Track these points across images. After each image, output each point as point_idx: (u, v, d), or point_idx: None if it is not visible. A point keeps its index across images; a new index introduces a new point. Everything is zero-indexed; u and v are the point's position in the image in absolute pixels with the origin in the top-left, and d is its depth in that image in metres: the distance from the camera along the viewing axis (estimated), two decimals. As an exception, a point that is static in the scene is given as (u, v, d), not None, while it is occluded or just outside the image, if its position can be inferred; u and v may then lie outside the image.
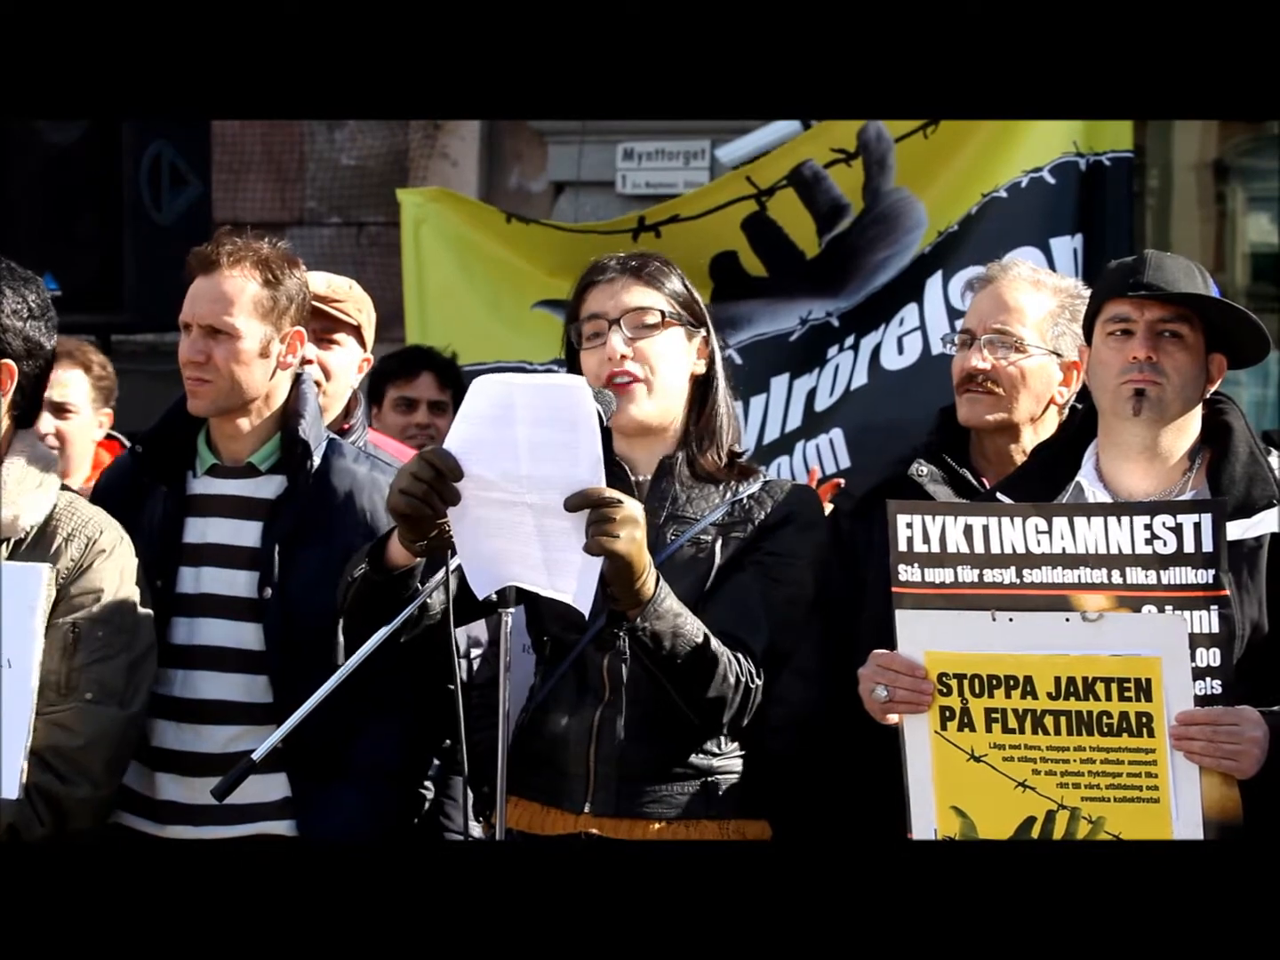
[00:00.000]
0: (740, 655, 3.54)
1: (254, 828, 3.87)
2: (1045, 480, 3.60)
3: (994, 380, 4.03)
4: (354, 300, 4.58)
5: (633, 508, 3.30)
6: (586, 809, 3.61)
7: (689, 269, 3.88)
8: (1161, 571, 3.22)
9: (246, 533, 3.95)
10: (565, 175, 10.11)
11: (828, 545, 3.81)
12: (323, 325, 4.40)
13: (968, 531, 3.30)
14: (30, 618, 3.48)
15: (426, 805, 4.20)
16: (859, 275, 6.08)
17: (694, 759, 3.63)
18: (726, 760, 3.65)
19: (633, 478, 3.70)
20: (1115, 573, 3.23)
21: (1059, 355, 4.05)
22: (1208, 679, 3.21)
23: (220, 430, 4.00)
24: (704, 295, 3.89)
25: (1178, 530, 3.22)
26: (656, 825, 3.59)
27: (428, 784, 4.18)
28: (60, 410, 5.07)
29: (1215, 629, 3.22)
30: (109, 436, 5.28)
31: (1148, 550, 3.22)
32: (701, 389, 3.76)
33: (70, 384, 5.10)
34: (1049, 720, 3.22)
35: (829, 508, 4.12)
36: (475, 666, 4.40)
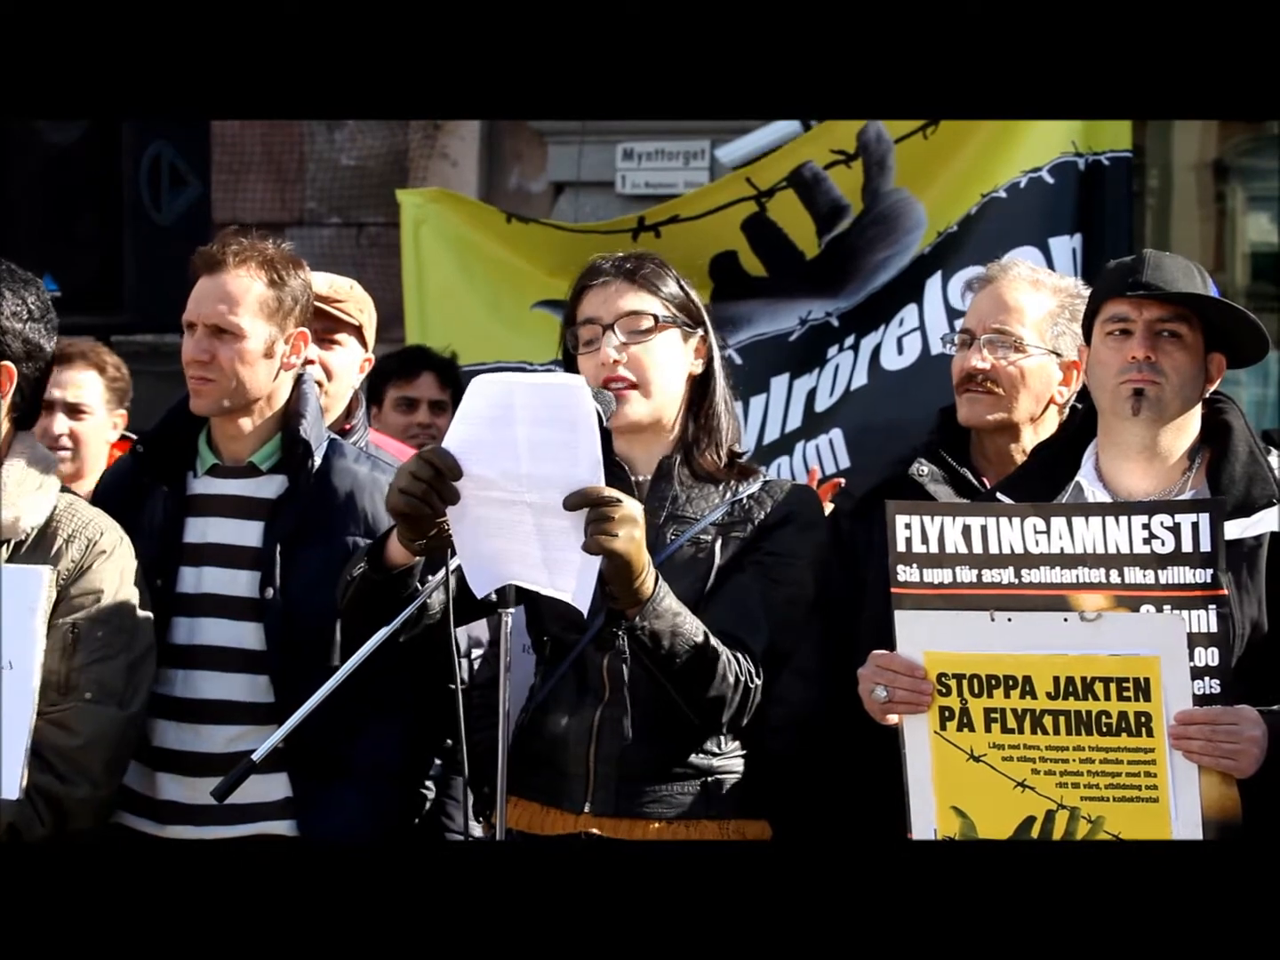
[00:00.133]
0: (740, 655, 3.55)
1: (255, 828, 3.87)
2: (1045, 480, 3.60)
3: (993, 380, 4.03)
4: (355, 300, 4.58)
5: (631, 507, 3.30)
6: (586, 809, 3.61)
7: (688, 269, 3.89)
8: (1160, 571, 3.22)
9: (247, 532, 3.95)
10: (565, 175, 10.11)
11: (827, 545, 3.81)
12: (324, 325, 4.40)
13: (966, 532, 3.30)
14: (31, 620, 3.48)
15: (428, 805, 4.20)
16: (859, 276, 6.08)
17: (694, 759, 3.63)
18: (726, 760, 3.66)
19: (632, 478, 3.70)
20: (1113, 572, 3.23)
21: (1058, 355, 4.05)
22: (1206, 678, 3.21)
23: (222, 430, 4.00)
24: (704, 295, 3.89)
25: (1176, 530, 3.23)
26: (656, 825, 3.60)
27: (429, 784, 4.18)
28: (74, 411, 5.08)
29: (1213, 628, 3.22)
30: (123, 437, 5.27)
31: (1146, 550, 3.22)
32: (700, 389, 3.76)
33: (85, 385, 5.10)
34: (1048, 720, 3.22)
35: (829, 508, 4.12)
36: (476, 666, 4.40)
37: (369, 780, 3.92)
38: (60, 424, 5.03)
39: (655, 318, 3.69)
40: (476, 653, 4.43)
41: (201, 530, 3.97)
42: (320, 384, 4.30)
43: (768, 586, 3.64)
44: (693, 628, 3.47)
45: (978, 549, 3.29)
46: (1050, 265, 5.34)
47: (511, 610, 3.40)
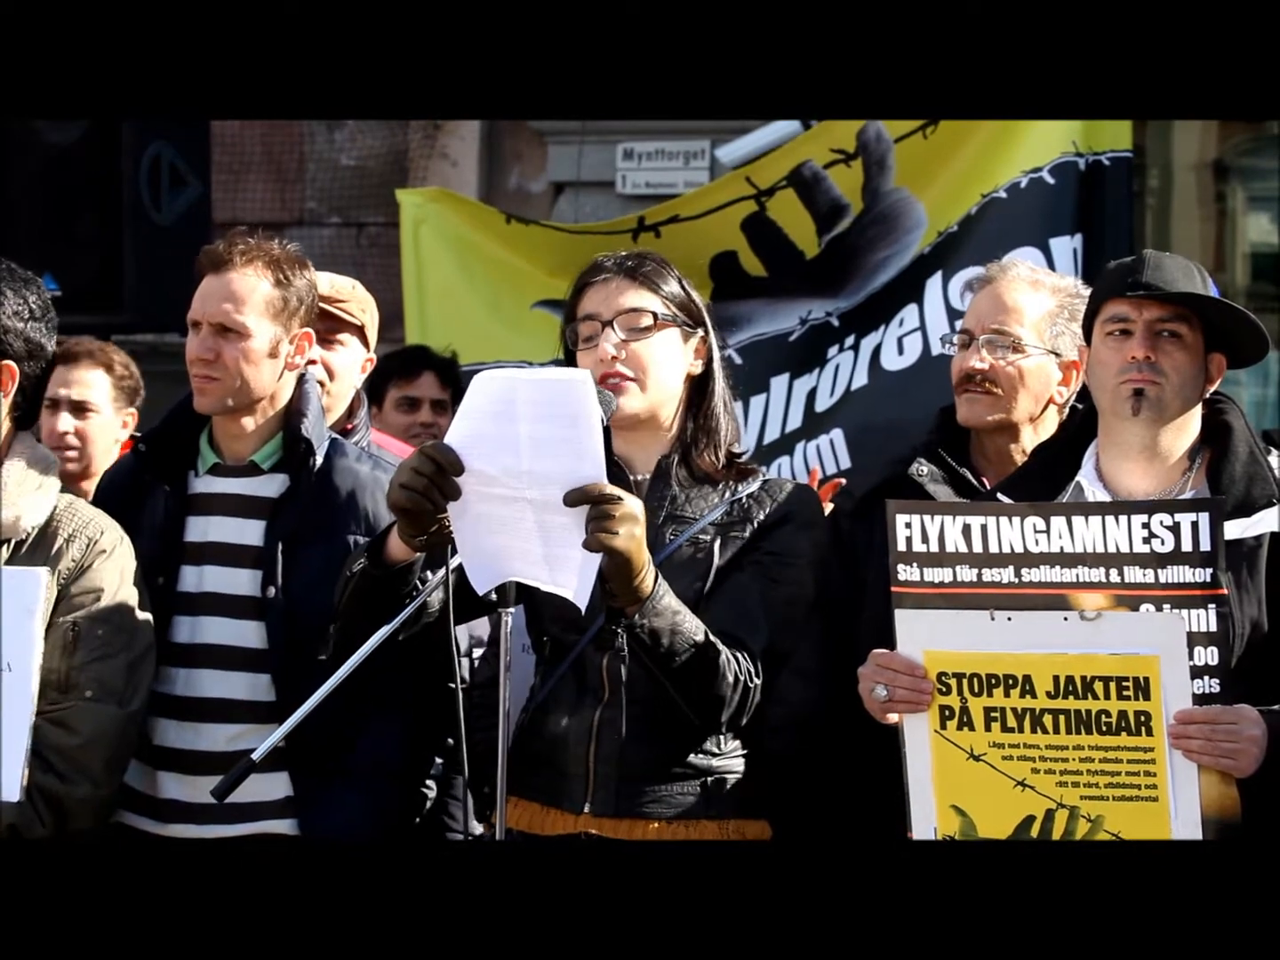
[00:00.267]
0: (739, 655, 3.55)
1: (256, 826, 3.87)
2: (1045, 480, 3.60)
3: (993, 380, 4.03)
4: (357, 300, 4.58)
5: (632, 505, 3.30)
6: (586, 809, 3.61)
7: (689, 269, 3.89)
8: (1159, 570, 3.22)
9: (249, 531, 3.96)
10: (565, 175, 10.10)
11: (827, 545, 3.81)
12: (326, 325, 4.40)
13: (966, 531, 3.30)
14: (30, 621, 3.48)
15: (429, 805, 4.20)
16: (859, 275, 6.08)
17: (693, 759, 3.63)
18: (726, 760, 3.66)
19: (631, 477, 3.70)
20: (1113, 572, 3.23)
21: (1058, 355, 4.05)
22: (1206, 677, 3.21)
23: (224, 429, 4.01)
24: (703, 295, 3.89)
25: (1175, 529, 3.23)
26: (656, 825, 3.60)
27: (430, 783, 4.19)
28: (80, 409, 5.08)
29: (1213, 627, 3.22)
30: (132, 436, 5.27)
31: (1145, 549, 3.22)
32: (699, 389, 3.76)
33: (91, 384, 5.11)
34: (1048, 719, 3.22)
35: (829, 508, 4.12)
36: (476, 665, 4.40)
37: (370, 779, 3.93)
38: (65, 422, 5.04)
39: (655, 315, 3.69)
40: (478, 652, 4.43)
41: (203, 529, 3.98)
42: (322, 383, 4.30)
43: (767, 586, 3.64)
44: (692, 626, 3.47)
45: (978, 548, 3.29)
46: (1051, 265, 5.35)
47: (511, 610, 3.40)
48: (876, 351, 5.88)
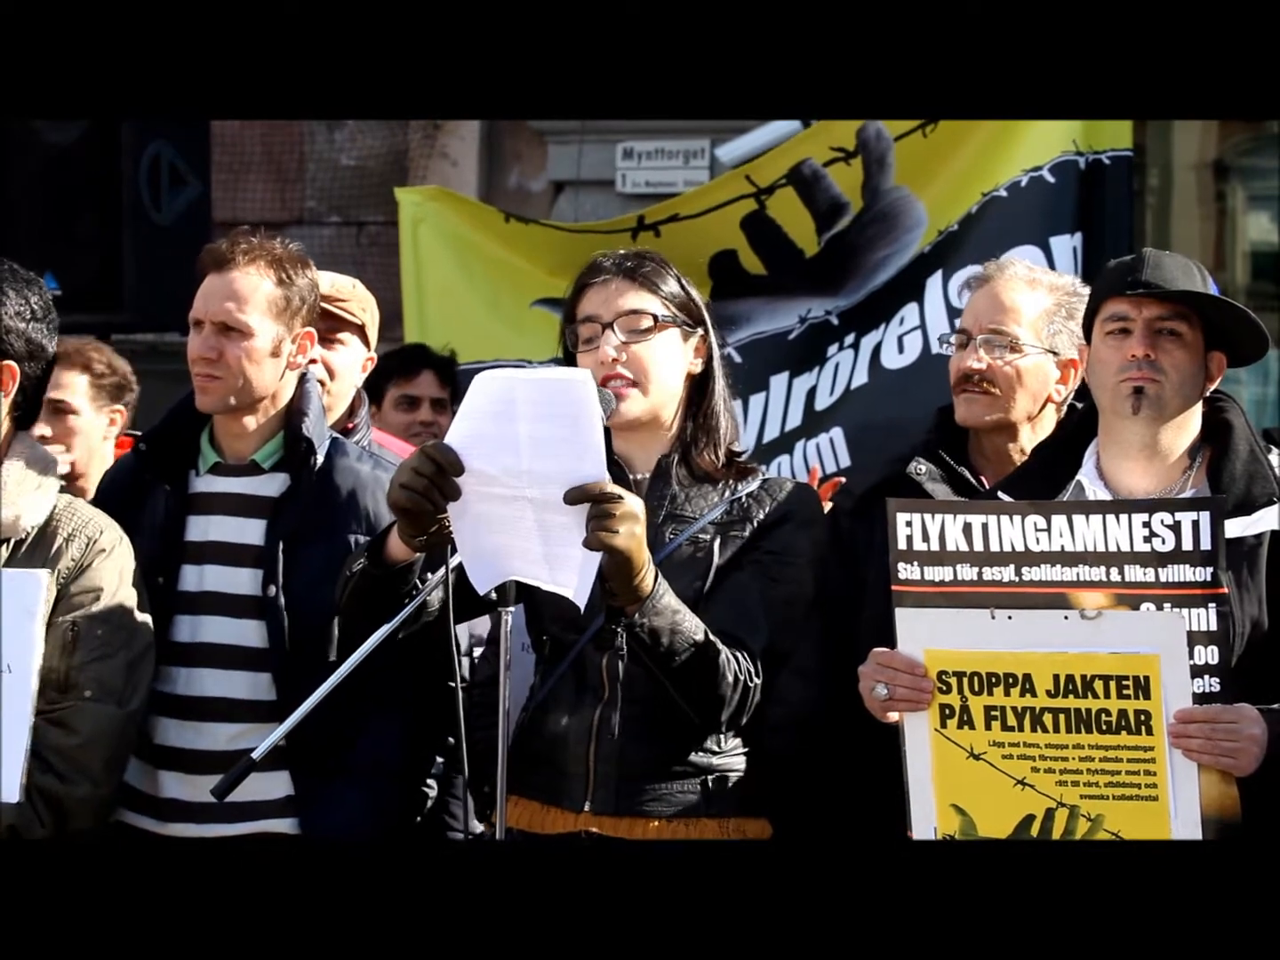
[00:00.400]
0: (739, 654, 3.55)
1: (256, 825, 3.88)
2: (1046, 479, 3.60)
3: (990, 380, 4.03)
4: (358, 299, 4.59)
5: (633, 504, 3.30)
6: (586, 807, 3.61)
7: (688, 268, 3.89)
8: (1160, 569, 3.22)
9: (250, 530, 3.96)
10: (565, 175, 10.11)
11: (827, 544, 3.81)
12: (326, 324, 4.39)
13: (967, 530, 3.30)
14: (30, 623, 3.48)
15: (430, 804, 4.20)
16: (858, 274, 6.08)
17: (693, 757, 3.63)
18: (726, 759, 3.66)
19: (631, 477, 3.71)
20: (1114, 570, 3.23)
21: (1055, 353, 4.05)
22: (1206, 677, 3.21)
23: (225, 428, 4.01)
24: (703, 294, 3.89)
25: (1176, 528, 3.23)
26: (656, 823, 3.60)
27: (430, 782, 4.19)
28: (58, 411, 5.07)
29: (1213, 627, 3.22)
30: (131, 436, 5.26)
31: (1146, 548, 3.22)
32: (699, 388, 3.76)
33: (68, 385, 5.09)
34: (1048, 718, 3.22)
35: (829, 506, 4.12)
36: (476, 664, 4.41)
37: (370, 778, 3.93)
38: (39, 425, 5.01)
39: (655, 317, 3.69)
40: (478, 651, 4.43)
41: (203, 528, 3.98)
42: (322, 383, 4.30)
43: (767, 585, 3.65)
44: (692, 626, 3.47)
45: (978, 547, 3.29)
46: (1051, 264, 5.34)
47: (511, 608, 3.40)
48: (877, 350, 5.87)
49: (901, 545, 3.31)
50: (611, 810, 3.60)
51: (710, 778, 3.63)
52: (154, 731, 3.91)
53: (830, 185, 6.11)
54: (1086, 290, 4.08)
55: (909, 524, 3.32)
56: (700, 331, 3.76)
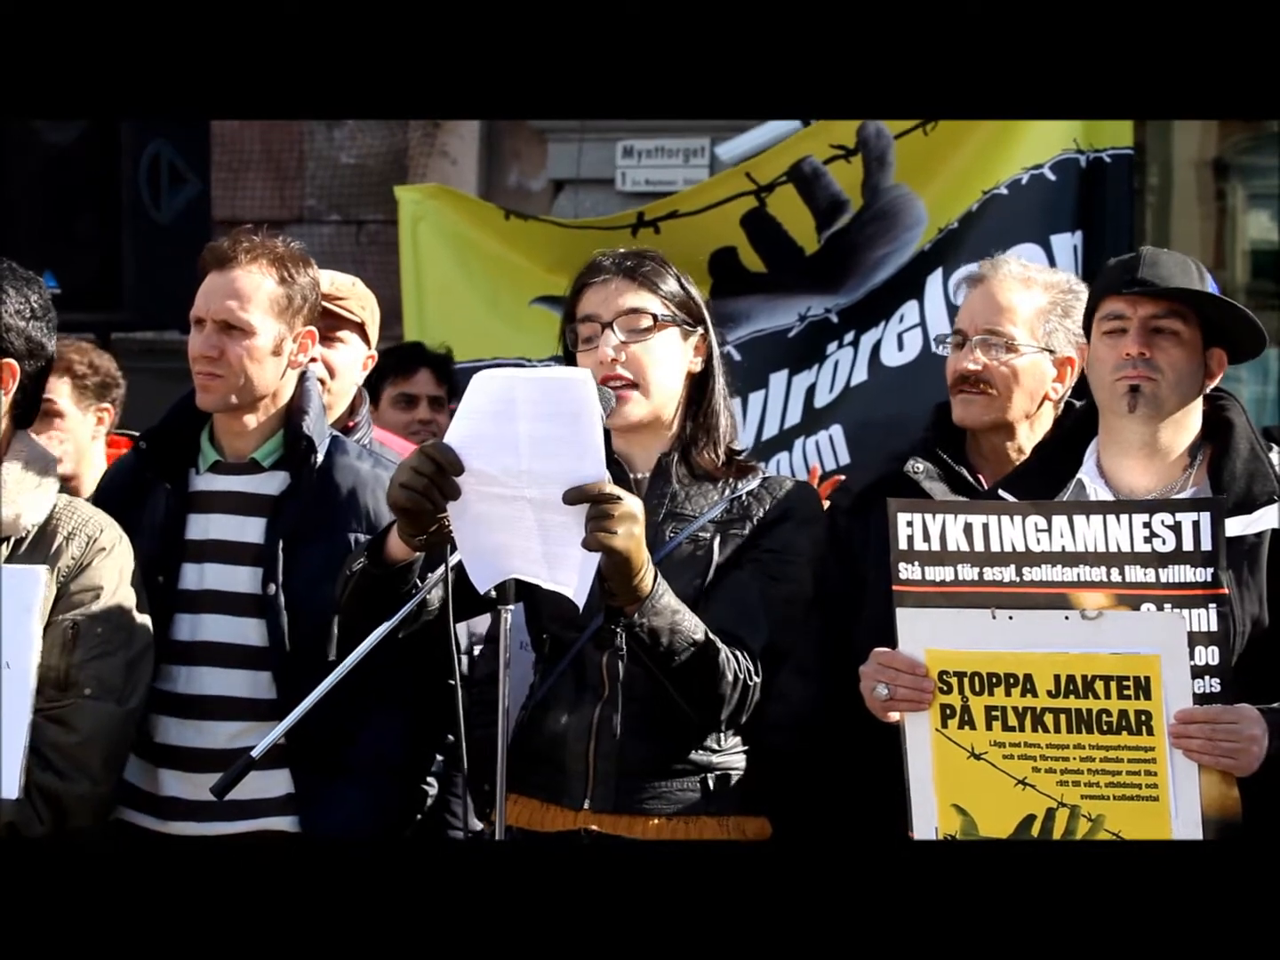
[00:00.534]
0: (739, 653, 3.55)
1: (257, 823, 3.88)
2: (1047, 477, 3.60)
3: (987, 381, 4.02)
4: (357, 298, 4.58)
5: (631, 504, 3.30)
6: (586, 805, 3.61)
7: (688, 265, 3.88)
8: (1160, 570, 3.22)
9: (250, 529, 3.96)
10: (565, 173, 10.10)
11: (826, 542, 3.81)
12: (326, 323, 4.39)
13: (968, 530, 3.30)
14: (28, 619, 3.48)
15: (430, 802, 4.20)
16: (858, 272, 6.08)
17: (693, 755, 3.63)
18: (726, 757, 3.66)
19: (630, 476, 3.70)
20: (1114, 571, 3.23)
21: (1052, 352, 4.04)
22: (1206, 677, 3.21)
23: (225, 427, 4.01)
24: (703, 291, 3.88)
25: (1176, 529, 3.23)
26: (655, 821, 3.60)
27: (431, 780, 4.19)
28: (43, 414, 5.04)
29: (1214, 627, 3.22)
30: (129, 436, 5.25)
31: (1146, 548, 3.22)
32: (699, 387, 3.76)
33: (50, 389, 5.02)
34: (1049, 718, 3.22)
35: (827, 505, 4.12)
36: (476, 662, 4.41)
37: (370, 776, 3.93)
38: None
39: (655, 316, 3.68)
40: (478, 649, 4.43)
41: (204, 527, 3.98)
42: (322, 381, 4.30)
43: (767, 584, 3.65)
44: (692, 625, 3.47)
45: (979, 547, 3.29)
46: (1052, 262, 5.35)
47: (511, 607, 3.41)
48: (876, 347, 5.88)
49: (903, 545, 3.31)
50: (611, 808, 3.60)
51: (710, 776, 3.63)
52: (154, 730, 3.91)
53: (830, 183, 6.12)
54: (1082, 287, 4.08)
55: (910, 524, 3.32)
56: (700, 330, 3.76)
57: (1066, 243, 5.57)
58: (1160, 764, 3.17)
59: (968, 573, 3.30)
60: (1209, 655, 3.22)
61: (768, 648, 3.60)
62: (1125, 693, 3.18)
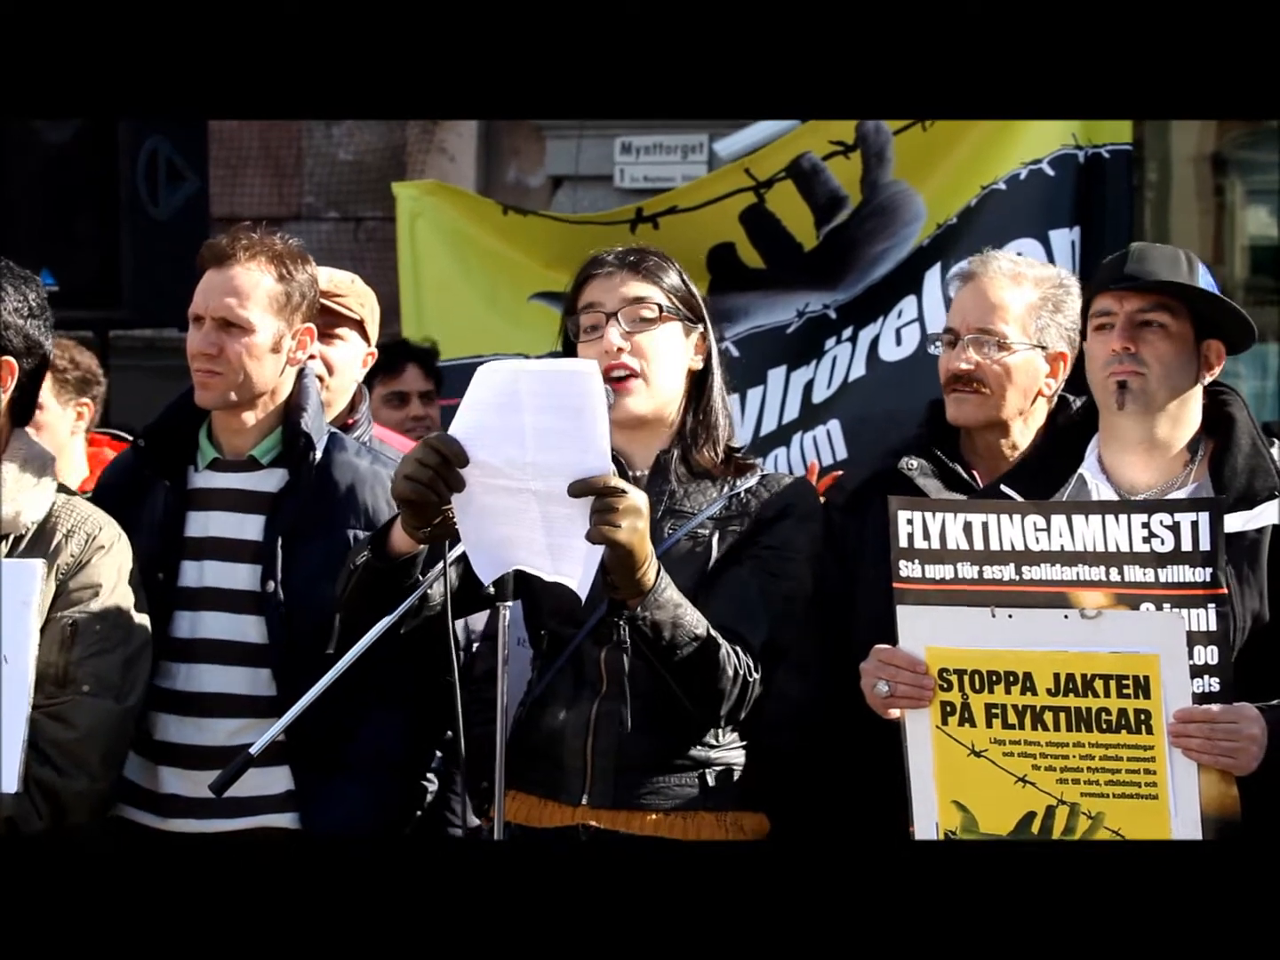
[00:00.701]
0: (739, 649, 3.55)
1: (257, 821, 3.87)
2: (1049, 472, 3.61)
3: (980, 380, 4.01)
4: (356, 295, 4.58)
5: (636, 497, 3.30)
6: (584, 801, 3.61)
7: (687, 261, 3.88)
8: (1159, 569, 3.22)
9: (248, 526, 3.96)
10: (563, 170, 10.10)
11: (823, 539, 3.81)
12: (325, 320, 4.38)
13: (967, 528, 3.30)
14: (26, 613, 3.49)
15: (430, 798, 4.21)
16: (857, 267, 6.09)
17: (692, 751, 3.63)
18: (725, 752, 3.66)
19: (630, 473, 3.70)
20: (1113, 570, 3.24)
21: (1044, 348, 4.04)
22: (1206, 677, 3.21)
23: (224, 424, 4.01)
24: (701, 287, 3.89)
25: (1175, 529, 3.23)
26: (654, 817, 3.60)
27: (431, 777, 4.19)
28: None
29: (1213, 627, 3.22)
30: (117, 438, 5.24)
31: (1146, 548, 3.23)
32: (699, 385, 3.76)
33: None
34: (1048, 716, 3.22)
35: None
36: (473, 658, 4.40)
37: (370, 772, 3.93)
38: None
39: (659, 307, 3.68)
40: (478, 646, 4.43)
41: (203, 524, 3.98)
42: (321, 378, 4.30)
43: (766, 581, 3.65)
44: (694, 620, 3.48)
45: (979, 545, 3.30)
46: (1050, 258, 5.35)
47: (509, 604, 3.41)
48: (874, 343, 5.88)
49: (903, 543, 3.32)
50: (609, 804, 3.61)
51: (708, 771, 3.64)
52: (154, 727, 3.91)
53: (829, 179, 6.12)
54: (1073, 281, 4.09)
55: (910, 522, 3.32)
56: (700, 328, 3.76)
57: (1065, 238, 5.57)
58: (1159, 763, 3.17)
59: (968, 571, 3.30)
60: (1208, 655, 3.22)
61: (767, 644, 3.60)
62: (1125, 692, 3.18)
